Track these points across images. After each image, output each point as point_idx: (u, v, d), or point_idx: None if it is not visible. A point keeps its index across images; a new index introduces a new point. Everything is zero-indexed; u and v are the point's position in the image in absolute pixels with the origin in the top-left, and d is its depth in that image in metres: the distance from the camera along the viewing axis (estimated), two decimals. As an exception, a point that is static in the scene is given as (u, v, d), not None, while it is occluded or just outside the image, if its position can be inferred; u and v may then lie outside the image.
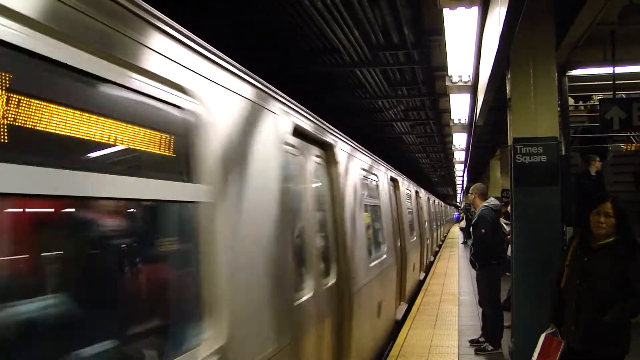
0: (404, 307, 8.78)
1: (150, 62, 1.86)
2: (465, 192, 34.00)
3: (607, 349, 3.52)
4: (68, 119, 1.53)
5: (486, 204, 6.90)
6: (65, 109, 1.52)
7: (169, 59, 1.98)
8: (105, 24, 1.66)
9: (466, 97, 9.38)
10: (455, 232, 36.31)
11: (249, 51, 7.33)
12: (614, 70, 7.16)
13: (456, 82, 8.11)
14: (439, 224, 23.12)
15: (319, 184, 4.17)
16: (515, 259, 5.76)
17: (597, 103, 7.74)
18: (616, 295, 3.48)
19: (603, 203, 3.65)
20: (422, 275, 12.93)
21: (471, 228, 7.52)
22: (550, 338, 3.78)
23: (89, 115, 1.60)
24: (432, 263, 16.53)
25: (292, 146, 3.37)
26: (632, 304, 3.48)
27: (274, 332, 2.76)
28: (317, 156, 4.14)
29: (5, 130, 1.34)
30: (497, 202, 7.10)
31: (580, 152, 8.44)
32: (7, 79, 1.34)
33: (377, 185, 7.05)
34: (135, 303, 1.94)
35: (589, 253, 3.67)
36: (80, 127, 1.58)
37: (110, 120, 1.69)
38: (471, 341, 6.80)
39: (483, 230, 6.65)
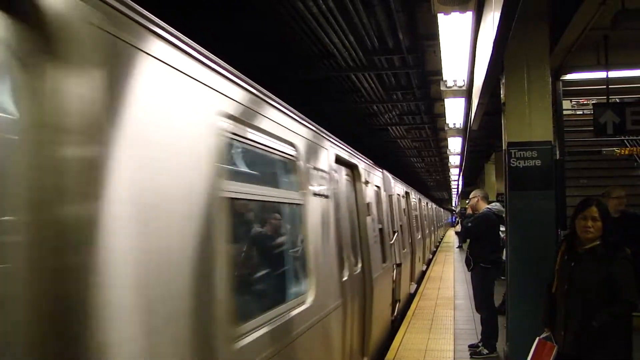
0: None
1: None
2: (461, 196, 34.09)
3: (598, 354, 3.50)
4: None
5: (489, 207, 6.97)
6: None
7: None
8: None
9: (461, 102, 9.42)
10: (451, 236, 36.35)
11: (245, 57, 7.34)
12: (607, 75, 7.21)
13: (451, 87, 8.15)
14: (433, 228, 22.63)
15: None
16: (510, 262, 5.78)
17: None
18: (603, 300, 3.48)
19: (589, 207, 3.63)
20: (414, 286, 11.79)
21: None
22: (542, 342, 3.78)
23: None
24: (425, 272, 15.39)
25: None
26: (617, 307, 3.48)
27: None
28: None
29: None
30: (500, 207, 7.10)
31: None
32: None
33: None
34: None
35: (575, 258, 3.67)
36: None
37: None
38: (471, 346, 6.79)
39: (469, 224, 7.02)
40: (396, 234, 8.23)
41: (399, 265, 8.17)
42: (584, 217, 3.62)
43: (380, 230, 7.03)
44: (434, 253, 21.94)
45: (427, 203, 20.99)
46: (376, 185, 7.20)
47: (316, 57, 9.08)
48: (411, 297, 10.81)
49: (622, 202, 6.21)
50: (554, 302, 3.82)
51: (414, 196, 14.83)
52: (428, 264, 17.21)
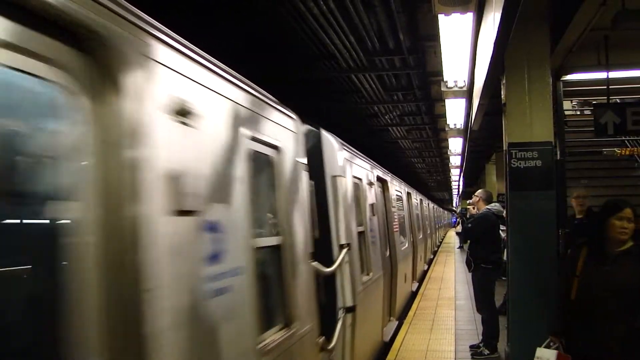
0: None
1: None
2: (462, 196, 34.10)
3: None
4: None
5: (489, 207, 7.04)
6: None
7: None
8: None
9: (461, 102, 9.44)
10: (452, 236, 36.33)
11: (246, 58, 7.36)
12: (607, 75, 7.20)
13: (451, 87, 8.17)
14: (430, 231, 19.07)
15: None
16: (511, 263, 5.78)
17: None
18: None
19: (624, 209, 3.52)
20: (394, 325, 7.74)
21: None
22: (561, 356, 3.61)
23: None
24: (418, 290, 11.90)
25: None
26: None
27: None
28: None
29: None
30: (500, 207, 7.16)
31: None
32: None
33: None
34: None
35: (608, 261, 3.53)
36: None
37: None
38: (472, 346, 6.80)
39: (469, 225, 7.21)
40: (346, 251, 4.53)
41: (351, 310, 4.57)
42: (620, 219, 3.50)
43: (278, 249, 3.20)
44: (430, 261, 18.25)
45: (421, 200, 16.78)
46: (270, 145, 3.14)
47: (317, 58, 9.08)
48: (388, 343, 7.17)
49: (584, 203, 6.19)
50: (572, 310, 3.64)
51: (399, 188, 10.64)
52: (422, 279, 13.70)
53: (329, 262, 4.21)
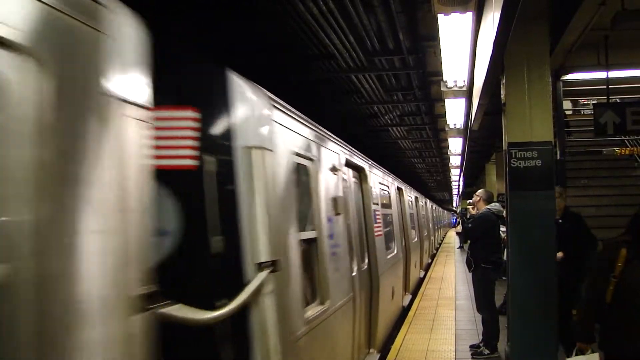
0: None
1: None
2: (462, 196, 34.11)
3: None
4: None
5: (489, 207, 7.05)
6: None
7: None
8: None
9: (461, 102, 9.44)
10: (452, 237, 36.33)
11: (245, 57, 7.36)
12: (607, 75, 7.22)
13: (451, 87, 8.18)
14: (427, 232, 16.96)
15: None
16: (511, 263, 5.78)
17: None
18: None
19: None
20: (375, 358, 6.14)
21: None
22: None
23: None
24: (404, 312, 9.25)
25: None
26: None
27: None
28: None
29: None
30: (500, 207, 7.17)
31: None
32: None
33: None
34: None
35: None
36: None
37: None
38: (472, 346, 6.80)
39: (469, 225, 7.22)
40: (267, 274, 2.74)
41: None
42: None
43: None
44: (428, 266, 16.26)
45: (416, 198, 14.78)
46: None
47: (316, 58, 9.08)
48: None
49: (558, 203, 6.11)
50: (609, 313, 3.46)
51: (384, 181, 8.56)
52: (417, 288, 12.03)
53: (237, 292, 2.58)
